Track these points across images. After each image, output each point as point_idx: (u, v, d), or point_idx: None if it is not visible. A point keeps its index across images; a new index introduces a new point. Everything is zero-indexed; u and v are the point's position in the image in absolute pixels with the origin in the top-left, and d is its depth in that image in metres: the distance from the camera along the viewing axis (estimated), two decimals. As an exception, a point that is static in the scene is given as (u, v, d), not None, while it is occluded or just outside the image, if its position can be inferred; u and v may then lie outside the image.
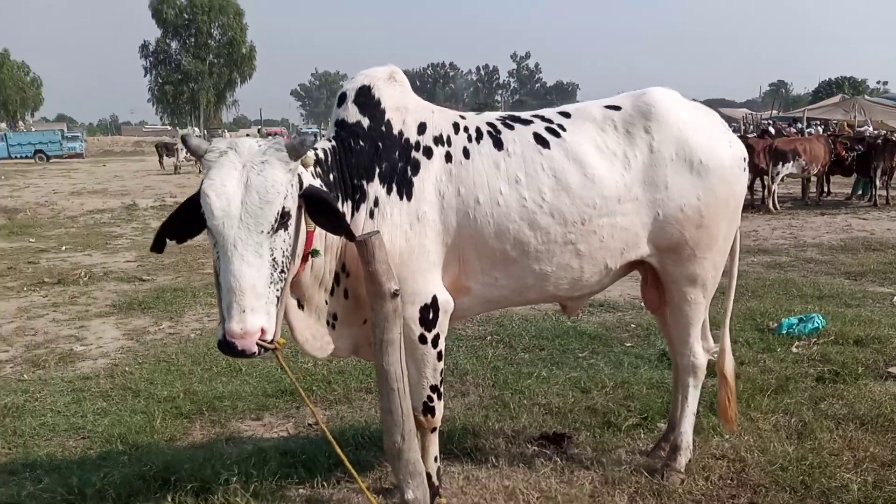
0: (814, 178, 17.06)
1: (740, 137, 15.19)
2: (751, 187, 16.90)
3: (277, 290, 2.41)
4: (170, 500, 3.30)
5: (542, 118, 3.21)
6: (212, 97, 72.26)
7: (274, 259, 2.39)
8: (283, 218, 2.40)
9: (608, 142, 3.15)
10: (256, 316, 2.31)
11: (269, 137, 2.76)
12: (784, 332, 6.11)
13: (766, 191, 16.16)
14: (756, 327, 6.30)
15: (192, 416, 4.62)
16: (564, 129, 3.15)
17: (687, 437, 3.58)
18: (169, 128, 77.55)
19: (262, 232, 2.34)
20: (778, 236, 12.52)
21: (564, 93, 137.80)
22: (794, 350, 5.61)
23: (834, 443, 3.82)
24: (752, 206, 16.31)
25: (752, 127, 34.18)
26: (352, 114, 3.00)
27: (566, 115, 3.23)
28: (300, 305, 2.91)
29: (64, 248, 12.37)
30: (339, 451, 2.63)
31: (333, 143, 2.97)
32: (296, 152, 2.44)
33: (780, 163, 15.72)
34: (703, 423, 4.14)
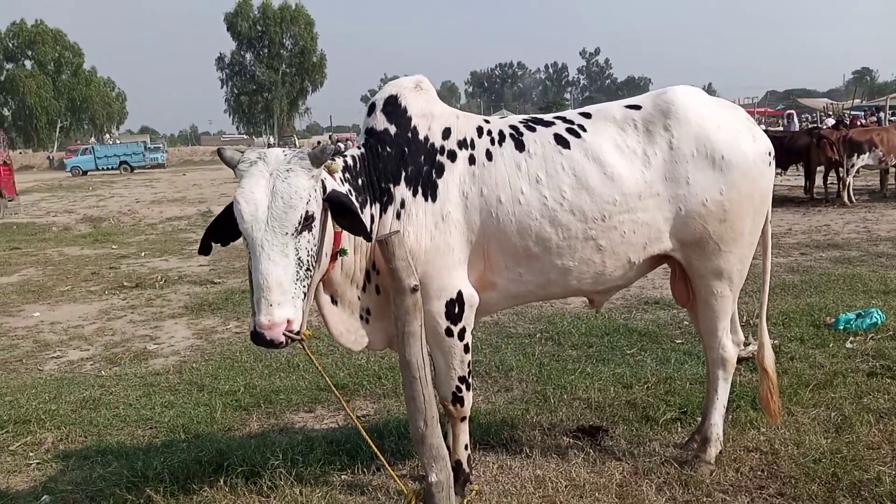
0: (892, 170, 16.38)
1: (813, 129, 14.82)
2: (825, 180, 16.41)
3: (304, 286, 2.62)
4: (222, 482, 3.56)
5: (564, 119, 3.33)
6: (285, 106, 74.33)
7: (299, 258, 2.60)
8: (307, 221, 2.61)
9: (628, 140, 3.24)
10: (283, 309, 2.52)
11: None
12: (841, 327, 6.00)
13: (840, 183, 15.63)
14: (812, 323, 6.20)
15: (250, 408, 4.92)
16: (585, 130, 3.26)
17: (717, 428, 3.63)
18: (245, 137, 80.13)
19: (287, 234, 2.56)
20: (850, 230, 12.13)
21: (636, 88, 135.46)
22: (849, 345, 5.52)
23: (873, 436, 3.79)
24: (827, 199, 15.82)
25: (846, 116, 32.96)
26: (380, 122, 3.20)
27: (587, 115, 3.34)
28: (333, 301, 3.12)
29: (143, 253, 13.08)
30: (364, 433, 2.84)
31: (362, 150, 3.17)
32: (318, 160, 2.65)
33: (856, 154, 15.17)
34: (741, 417, 4.18)
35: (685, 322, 6.64)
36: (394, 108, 3.21)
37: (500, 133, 3.27)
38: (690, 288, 3.58)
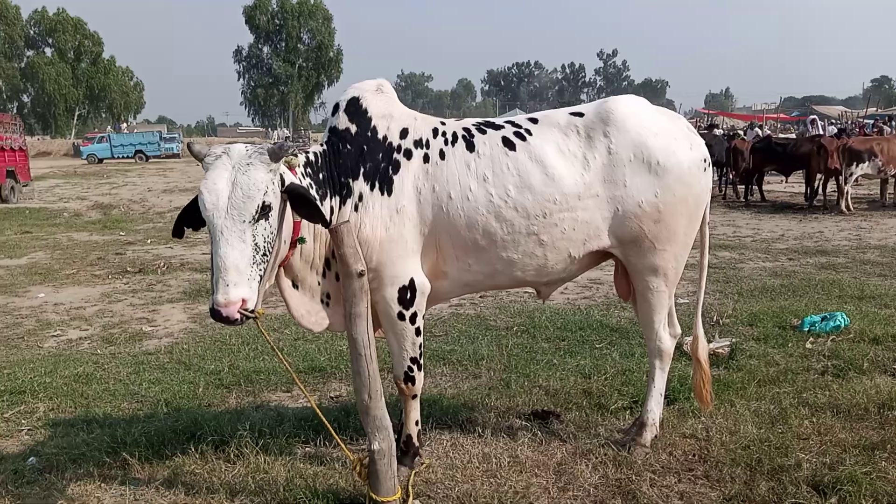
0: (892, 180, 16.49)
1: (815, 137, 14.92)
2: (824, 188, 16.55)
3: (260, 269, 2.91)
4: (193, 449, 3.87)
5: (513, 124, 3.61)
6: (300, 99, 74.86)
7: (256, 244, 2.88)
8: (264, 210, 2.89)
9: (570, 145, 3.51)
10: (238, 289, 2.81)
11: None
12: (806, 328, 6.22)
13: (839, 192, 15.77)
14: (778, 324, 6.42)
15: (231, 386, 5.22)
16: (531, 134, 3.54)
17: (653, 414, 3.89)
18: (261, 129, 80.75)
19: (245, 221, 2.85)
20: (842, 238, 12.32)
21: (653, 90, 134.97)
22: (808, 346, 5.74)
23: (804, 428, 4.03)
24: (826, 207, 15.97)
25: (850, 125, 32.94)
26: (342, 121, 3.48)
27: (535, 121, 3.61)
28: (294, 286, 3.41)
29: (149, 241, 13.46)
30: (312, 403, 3.13)
31: (325, 147, 3.46)
32: (276, 156, 2.94)
33: (855, 163, 15.32)
34: (686, 407, 4.43)
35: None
36: (355, 108, 3.49)
37: (454, 134, 3.54)
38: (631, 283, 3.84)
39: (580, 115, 3.60)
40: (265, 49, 75.94)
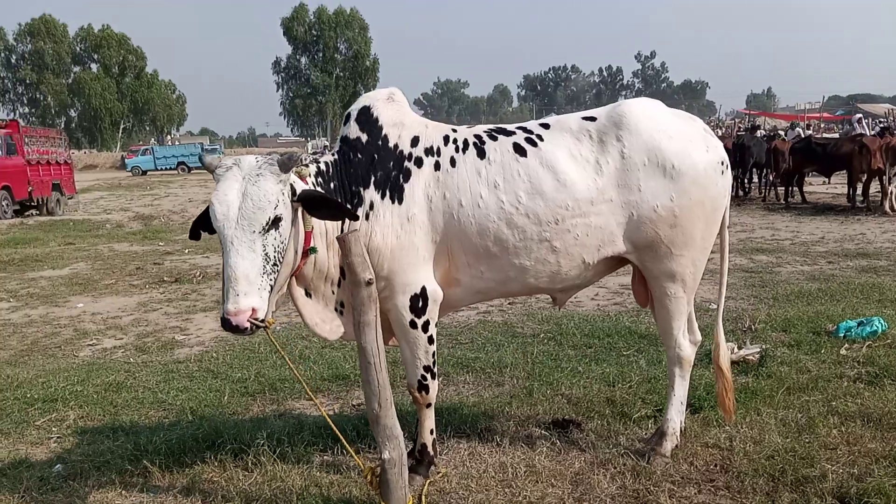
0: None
1: (856, 137, 14.57)
2: (866, 189, 16.12)
3: (271, 279, 2.93)
4: (212, 457, 3.92)
5: (525, 129, 3.58)
6: (338, 108, 75.52)
7: (266, 254, 2.91)
8: (274, 221, 2.92)
9: (582, 150, 3.47)
10: (248, 298, 2.84)
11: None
12: (841, 334, 6.06)
13: (882, 192, 15.35)
14: (813, 329, 6.25)
15: (256, 394, 5.28)
16: (542, 139, 3.51)
17: (673, 423, 3.81)
18: (300, 139, 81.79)
19: (255, 232, 2.88)
20: (885, 240, 11.98)
21: (693, 91, 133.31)
22: (843, 352, 5.58)
23: (832, 437, 3.91)
24: (869, 208, 15.56)
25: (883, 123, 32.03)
26: (353, 131, 3.50)
27: (546, 126, 3.58)
28: (308, 294, 3.43)
29: (187, 251, 13.70)
30: (324, 413, 3.15)
31: (336, 156, 3.48)
32: (285, 167, 2.97)
33: (898, 162, 14.90)
34: (710, 416, 4.33)
35: (689, 326, 6.77)
36: (366, 117, 3.50)
37: (465, 142, 3.53)
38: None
39: (592, 119, 3.56)
40: (303, 60, 76.99)
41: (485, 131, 3.61)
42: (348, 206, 3.40)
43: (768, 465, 3.64)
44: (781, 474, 3.55)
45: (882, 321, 6.15)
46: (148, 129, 78.87)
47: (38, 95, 73.09)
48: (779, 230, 13.65)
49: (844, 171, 16.86)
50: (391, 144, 3.48)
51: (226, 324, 2.86)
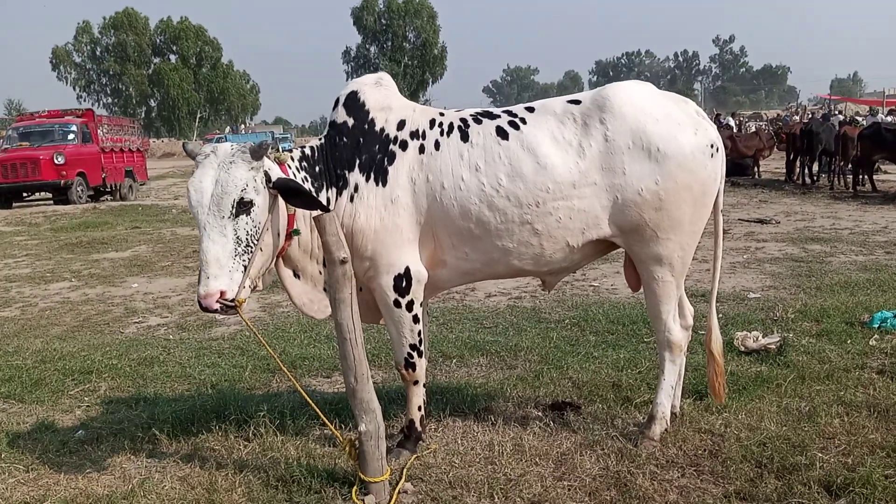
0: None
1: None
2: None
3: (243, 260, 3.09)
4: (216, 426, 4.13)
5: (510, 113, 3.61)
6: (406, 97, 76.00)
7: (238, 237, 3.06)
8: (244, 206, 3.06)
9: (565, 133, 3.48)
10: (218, 281, 3.02)
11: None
12: (876, 325, 5.85)
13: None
14: (846, 320, 6.05)
15: (276, 370, 5.48)
16: (525, 123, 3.53)
17: (662, 407, 3.79)
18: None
19: (224, 217, 3.04)
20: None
21: (772, 77, 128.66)
22: (872, 343, 5.40)
23: (831, 427, 3.82)
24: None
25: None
26: (340, 115, 3.60)
27: (531, 109, 3.61)
28: (296, 275, 3.57)
29: (243, 235, 14.14)
30: (303, 392, 3.29)
31: (322, 140, 3.60)
32: (257, 154, 3.11)
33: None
34: (712, 402, 4.27)
35: (719, 315, 6.62)
36: (353, 102, 3.60)
37: (450, 125, 3.59)
38: (640, 274, 3.76)
39: (577, 102, 3.56)
40: (372, 49, 77.82)
41: (471, 115, 3.66)
42: (333, 189, 3.52)
43: (758, 451, 3.59)
44: (769, 461, 3.50)
45: (921, 312, 5.91)
46: (223, 118, 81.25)
47: (120, 86, 76.30)
48: (840, 219, 13.12)
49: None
50: (377, 128, 3.58)
51: (199, 305, 3.04)
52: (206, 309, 3.05)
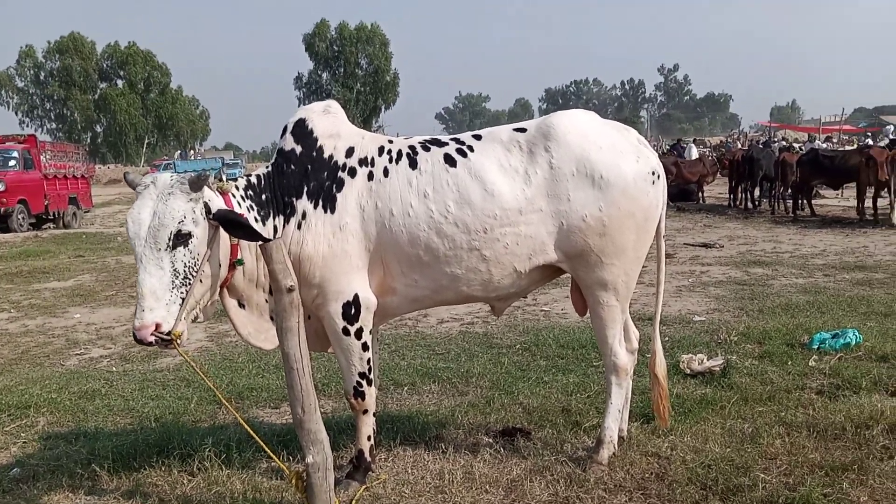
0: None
1: (864, 149, 14.41)
2: (874, 201, 15.92)
3: (181, 293, 3.05)
4: (159, 461, 4.02)
5: (457, 140, 3.66)
6: (359, 123, 75.57)
7: (175, 269, 3.03)
8: (181, 237, 3.04)
9: (511, 160, 3.54)
10: (153, 314, 2.98)
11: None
12: (815, 346, 6.02)
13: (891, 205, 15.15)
14: (788, 342, 6.22)
15: (227, 400, 5.36)
16: (472, 150, 3.58)
17: (610, 432, 3.83)
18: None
19: (160, 249, 3.00)
20: (887, 252, 11.84)
21: (716, 104, 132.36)
22: (812, 364, 5.55)
23: (773, 448, 3.91)
24: (877, 221, 15.36)
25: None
26: (288, 143, 3.60)
27: (478, 137, 3.66)
28: (241, 305, 3.53)
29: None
30: (245, 425, 3.22)
31: (269, 168, 3.58)
32: (196, 185, 3.09)
33: (905, 174, 14.71)
34: (659, 425, 4.33)
35: (665, 338, 6.76)
36: (301, 129, 3.61)
37: (399, 152, 3.62)
38: (586, 299, 3.82)
39: (523, 130, 3.63)
40: (324, 75, 77.77)
41: (419, 142, 3.69)
42: (281, 216, 3.49)
43: (703, 473, 3.65)
44: (714, 483, 3.56)
45: (856, 333, 6.10)
46: (172, 144, 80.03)
47: (65, 111, 74.58)
48: (781, 243, 13.53)
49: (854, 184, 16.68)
50: (326, 155, 3.58)
51: (134, 337, 2.99)
52: (140, 342, 3.02)
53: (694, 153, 26.62)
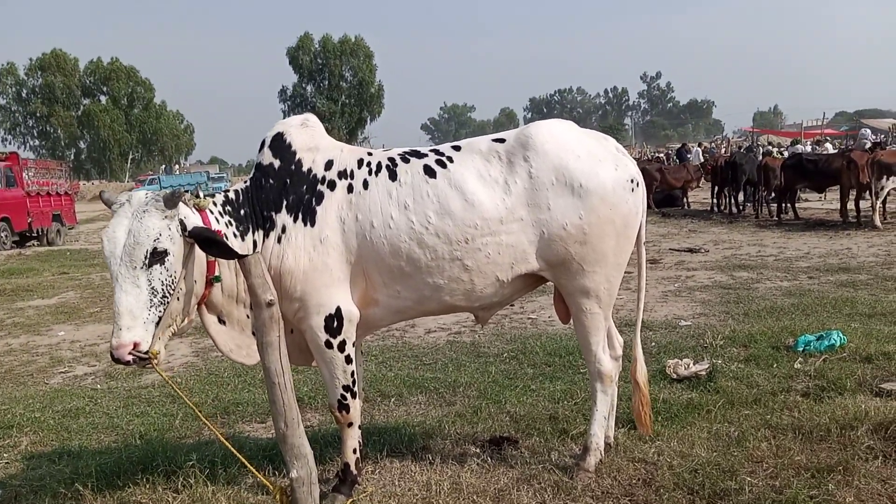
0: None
1: (845, 152, 14.59)
2: (857, 203, 16.07)
3: (159, 311, 3.03)
4: (143, 479, 3.97)
5: (437, 152, 3.66)
6: (344, 135, 75.97)
7: (152, 288, 3.01)
8: (157, 255, 3.02)
9: (491, 170, 3.55)
10: (130, 333, 2.96)
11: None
12: (800, 348, 6.05)
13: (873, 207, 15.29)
14: (772, 344, 6.25)
15: (208, 418, 5.31)
16: (452, 161, 3.58)
17: (596, 438, 3.84)
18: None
19: (136, 267, 2.98)
20: (870, 254, 11.94)
21: (699, 111, 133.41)
22: (797, 366, 5.58)
23: (759, 451, 3.92)
24: (859, 223, 15.49)
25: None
26: (266, 157, 3.59)
27: (457, 148, 3.66)
28: (221, 321, 3.51)
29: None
30: (221, 438, 3.19)
31: (248, 183, 3.57)
32: (171, 202, 3.07)
33: (885, 176, 14.85)
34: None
35: (651, 343, 6.78)
36: (279, 143, 3.60)
37: (378, 164, 3.62)
38: (570, 306, 3.82)
39: (502, 141, 3.64)
40: (308, 88, 77.69)
41: (399, 154, 3.69)
42: (260, 231, 3.48)
43: (690, 478, 3.65)
44: (701, 488, 3.56)
45: (840, 335, 6.14)
46: (157, 159, 79.65)
47: (48, 128, 74.13)
48: (766, 246, 13.63)
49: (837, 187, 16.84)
50: (304, 169, 3.57)
51: (111, 356, 2.97)
52: (118, 361, 2.98)
53: (699, 156, 28.15)
